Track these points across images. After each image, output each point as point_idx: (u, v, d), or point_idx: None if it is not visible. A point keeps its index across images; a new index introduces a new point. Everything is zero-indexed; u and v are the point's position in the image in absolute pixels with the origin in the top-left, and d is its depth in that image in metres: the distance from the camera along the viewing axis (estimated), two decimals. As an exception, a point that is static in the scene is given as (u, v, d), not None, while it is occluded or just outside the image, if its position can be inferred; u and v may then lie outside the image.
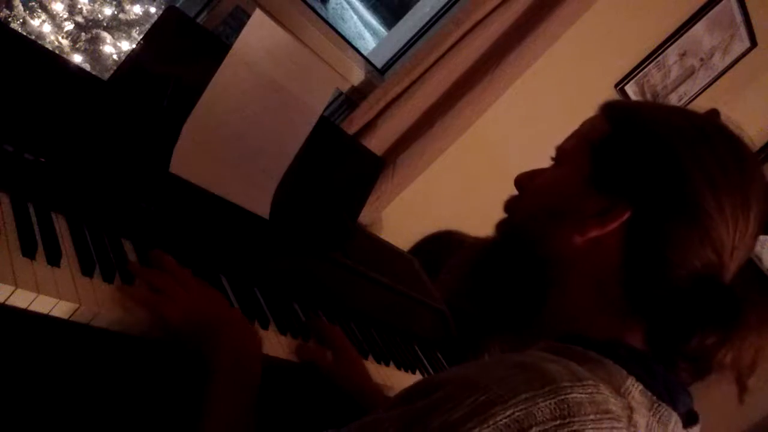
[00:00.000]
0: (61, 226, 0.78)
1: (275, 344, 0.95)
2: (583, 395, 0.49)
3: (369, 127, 1.67)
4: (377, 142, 1.67)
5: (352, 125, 1.65)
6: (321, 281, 1.19)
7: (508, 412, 0.47)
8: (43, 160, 0.80)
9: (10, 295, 0.65)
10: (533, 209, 0.69)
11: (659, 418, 0.54)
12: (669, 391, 0.56)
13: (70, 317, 0.71)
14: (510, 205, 0.73)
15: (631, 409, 0.51)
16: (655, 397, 0.54)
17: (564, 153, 0.70)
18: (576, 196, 0.64)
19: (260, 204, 1.12)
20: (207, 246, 0.98)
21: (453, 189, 1.96)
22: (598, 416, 0.48)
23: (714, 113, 0.67)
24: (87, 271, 0.75)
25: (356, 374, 1.01)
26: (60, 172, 0.82)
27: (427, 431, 0.47)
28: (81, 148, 0.87)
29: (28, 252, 0.70)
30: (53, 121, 0.88)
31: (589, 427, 0.48)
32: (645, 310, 0.60)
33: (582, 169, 0.65)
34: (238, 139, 1.08)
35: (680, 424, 0.56)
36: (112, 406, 0.79)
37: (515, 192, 0.73)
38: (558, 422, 0.47)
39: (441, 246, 1.93)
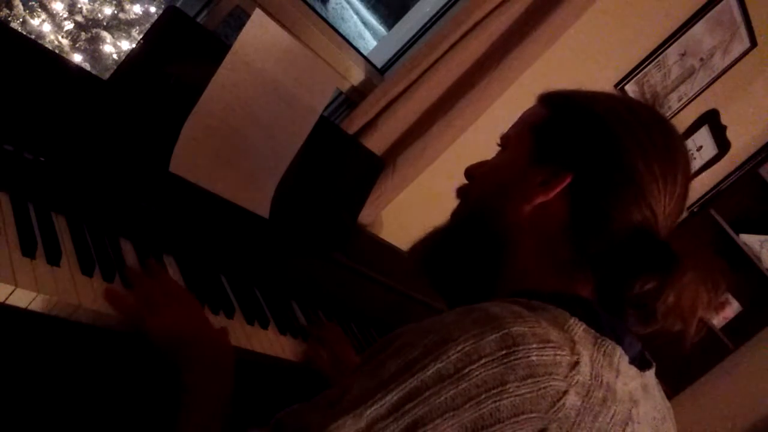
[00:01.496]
0: (60, 225, 0.78)
1: (275, 344, 0.95)
2: (524, 328, 0.53)
3: (369, 126, 1.66)
4: (377, 142, 1.67)
5: (351, 125, 1.65)
6: (321, 281, 1.19)
7: (459, 347, 0.52)
8: (43, 159, 0.80)
9: (9, 295, 0.65)
10: (484, 190, 0.76)
11: (604, 351, 0.57)
12: (613, 331, 0.60)
13: (69, 317, 0.71)
14: (462, 192, 0.79)
15: (573, 341, 0.55)
16: (598, 334, 0.58)
17: (508, 138, 0.77)
18: (521, 171, 0.71)
19: (260, 204, 1.12)
20: (207, 245, 0.98)
21: (453, 189, 1.96)
22: (541, 344, 0.53)
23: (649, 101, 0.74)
24: (87, 270, 0.75)
25: None
26: (60, 172, 0.82)
27: (384, 375, 0.52)
28: (81, 147, 0.88)
29: (28, 251, 0.70)
30: (53, 121, 0.88)
31: (534, 354, 0.52)
32: (591, 264, 0.66)
33: (525, 149, 0.72)
34: (237, 139, 1.08)
35: (626, 359, 0.59)
36: (111, 405, 0.79)
37: (465, 182, 0.80)
38: (504, 352, 0.52)
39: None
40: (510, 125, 0.79)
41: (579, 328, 0.57)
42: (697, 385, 2.70)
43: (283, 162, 1.15)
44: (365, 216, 1.65)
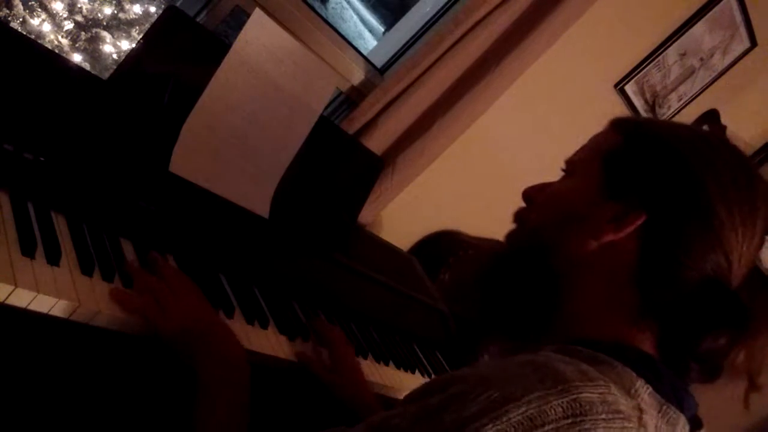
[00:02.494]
0: (60, 225, 0.78)
1: (274, 344, 0.95)
2: (594, 395, 0.49)
3: (369, 126, 1.66)
4: (377, 142, 1.67)
5: (351, 125, 1.65)
6: (321, 281, 1.19)
7: (521, 410, 0.47)
8: (42, 159, 0.80)
9: (9, 294, 0.65)
10: (546, 218, 0.70)
11: (668, 420, 0.54)
12: (676, 394, 0.57)
13: (69, 316, 0.71)
14: (520, 216, 0.73)
15: (640, 410, 0.52)
16: (663, 399, 0.55)
17: (575, 164, 0.71)
18: (590, 203, 0.66)
19: (260, 203, 1.12)
20: (206, 245, 0.98)
21: (452, 189, 1.96)
22: (610, 416, 0.49)
23: (720, 128, 0.70)
24: (86, 270, 0.75)
25: (351, 385, 1.00)
26: (60, 172, 0.82)
27: (440, 426, 0.48)
28: (81, 147, 0.87)
29: (28, 251, 0.70)
30: (53, 121, 0.88)
31: (601, 426, 0.48)
32: (657, 313, 0.61)
33: (595, 179, 0.67)
34: (237, 139, 1.08)
35: (687, 427, 0.57)
36: (111, 405, 0.79)
37: (522, 204, 0.74)
38: (570, 420, 0.48)
39: (441, 246, 1.93)
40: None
41: (645, 393, 0.54)
42: (696, 385, 2.70)
43: (282, 162, 1.15)
44: (365, 216, 1.65)
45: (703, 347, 0.59)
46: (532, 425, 0.47)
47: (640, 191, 0.63)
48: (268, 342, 0.94)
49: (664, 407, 0.55)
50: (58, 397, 0.75)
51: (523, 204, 0.74)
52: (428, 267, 1.64)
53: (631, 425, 0.50)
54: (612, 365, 0.55)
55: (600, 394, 0.50)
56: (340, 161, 1.31)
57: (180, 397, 0.75)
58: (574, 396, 0.49)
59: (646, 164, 0.64)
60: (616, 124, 0.70)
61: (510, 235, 0.74)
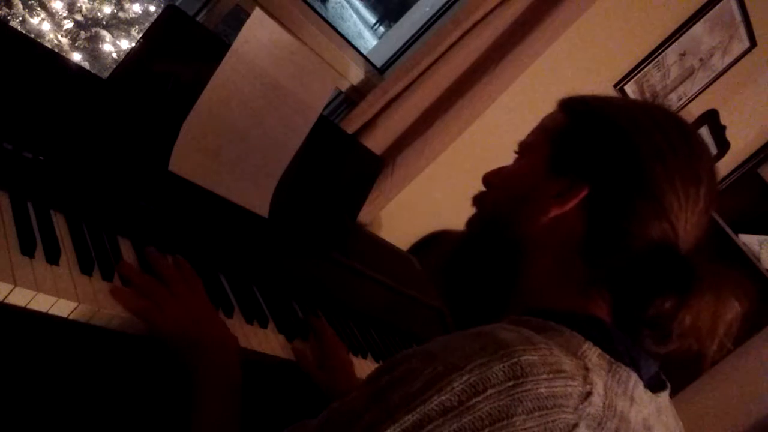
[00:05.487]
0: (60, 224, 0.78)
1: (274, 343, 0.95)
2: (535, 356, 0.51)
3: (368, 126, 1.66)
4: (376, 142, 1.67)
5: (351, 124, 1.65)
6: (320, 280, 1.19)
7: (464, 378, 0.49)
8: (42, 158, 0.80)
9: (9, 294, 0.65)
10: (499, 199, 0.73)
11: (618, 378, 0.55)
12: (630, 355, 0.58)
13: (69, 315, 0.71)
14: (478, 200, 0.77)
15: (586, 369, 0.53)
16: (613, 359, 0.56)
17: (526, 146, 0.75)
18: (538, 181, 0.69)
19: (259, 203, 1.12)
20: (206, 244, 0.98)
21: (452, 188, 1.96)
22: (551, 375, 0.50)
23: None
24: (86, 269, 0.75)
25: (340, 382, 1.00)
26: (59, 171, 0.82)
27: (389, 404, 0.50)
28: (80, 146, 0.87)
29: (27, 250, 0.70)
30: (52, 120, 0.88)
31: (543, 385, 0.49)
32: (607, 282, 0.63)
33: (543, 158, 0.70)
34: (237, 138, 1.08)
35: (641, 384, 0.58)
36: (110, 405, 0.79)
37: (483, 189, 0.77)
38: (512, 383, 0.49)
39: (440, 245, 1.93)
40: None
41: (593, 354, 0.55)
42: (696, 385, 2.70)
43: (282, 161, 1.15)
44: (364, 215, 1.65)
45: (651, 312, 0.60)
46: (476, 391, 0.48)
47: (583, 165, 0.66)
48: (267, 341, 0.94)
49: (614, 366, 0.55)
50: (58, 396, 0.75)
51: (483, 189, 0.77)
52: (427, 267, 1.64)
53: (575, 383, 0.51)
54: (559, 331, 0.57)
55: (541, 356, 0.51)
56: (339, 161, 1.31)
57: (179, 396, 0.76)
58: (515, 359, 0.50)
59: (587, 139, 0.67)
60: (563, 104, 0.73)
61: (470, 220, 0.77)
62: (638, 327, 0.62)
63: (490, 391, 0.48)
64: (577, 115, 0.70)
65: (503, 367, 0.49)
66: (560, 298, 0.64)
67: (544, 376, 0.50)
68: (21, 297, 0.66)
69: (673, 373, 0.71)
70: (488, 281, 0.71)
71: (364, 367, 1.08)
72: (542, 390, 0.49)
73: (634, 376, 0.57)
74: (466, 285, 0.74)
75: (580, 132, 0.68)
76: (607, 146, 0.65)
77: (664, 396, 0.63)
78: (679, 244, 0.63)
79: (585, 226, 0.64)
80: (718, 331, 0.59)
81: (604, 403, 0.52)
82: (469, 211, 0.78)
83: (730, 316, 0.59)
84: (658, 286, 0.60)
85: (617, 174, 0.64)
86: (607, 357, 0.56)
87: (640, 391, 0.57)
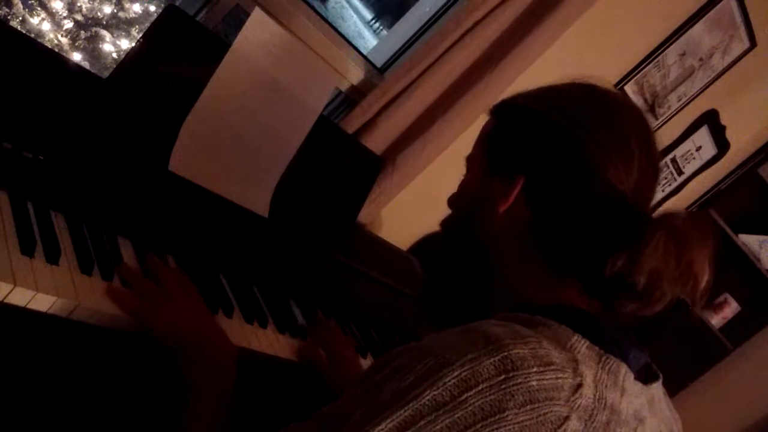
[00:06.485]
0: (60, 224, 0.78)
1: (274, 343, 0.95)
2: (525, 350, 0.51)
3: (368, 126, 1.66)
4: (376, 141, 1.67)
5: (351, 124, 1.65)
6: (320, 280, 1.19)
7: (456, 373, 0.49)
8: (42, 158, 0.80)
9: (9, 293, 0.65)
10: (458, 213, 0.78)
11: (608, 369, 0.55)
12: (618, 345, 0.58)
13: (68, 315, 0.71)
14: (444, 223, 0.80)
15: (576, 361, 0.53)
16: (602, 351, 0.56)
17: (469, 158, 0.78)
18: (483, 186, 0.72)
19: (259, 202, 1.12)
20: (206, 244, 0.98)
21: (452, 188, 1.96)
22: (542, 368, 0.51)
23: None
24: (86, 269, 0.75)
25: (348, 378, 1.01)
26: (59, 171, 0.82)
27: (380, 399, 0.50)
28: (80, 146, 0.87)
29: (27, 250, 0.70)
30: (52, 120, 0.88)
31: (533, 378, 0.50)
32: (566, 261, 0.65)
33: (482, 164, 0.74)
34: (237, 138, 1.08)
35: (631, 375, 0.58)
36: (108, 404, 0.79)
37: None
38: (503, 377, 0.49)
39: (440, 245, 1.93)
40: None
41: (582, 346, 0.55)
42: (696, 385, 2.70)
43: (282, 161, 1.15)
44: (364, 215, 1.65)
45: (608, 271, 0.60)
46: (467, 386, 0.49)
47: (514, 158, 0.69)
48: (267, 341, 0.94)
49: (604, 358, 0.56)
50: (57, 395, 0.75)
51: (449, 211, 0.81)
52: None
53: (565, 375, 0.52)
54: (547, 324, 0.57)
55: (531, 349, 0.51)
56: (339, 160, 1.31)
57: (178, 396, 0.76)
58: (505, 353, 0.50)
59: (511, 133, 0.71)
60: (491, 110, 0.77)
61: (443, 222, 0.80)
62: (612, 296, 0.62)
63: (481, 386, 0.49)
64: (500, 115, 0.75)
65: (494, 361, 0.50)
66: (537, 289, 0.65)
67: (535, 369, 0.50)
68: (21, 297, 0.66)
69: (674, 373, 0.70)
70: (464, 283, 0.73)
71: (364, 367, 1.08)
72: (533, 383, 0.50)
73: (624, 367, 0.57)
74: (443, 285, 0.77)
75: (505, 129, 0.73)
76: (530, 132, 0.69)
77: (657, 387, 0.63)
78: (625, 198, 0.64)
79: (532, 211, 0.67)
80: (694, 272, 0.59)
81: (594, 395, 0.53)
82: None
83: (700, 256, 0.59)
84: (608, 243, 0.60)
85: (541, 154, 0.67)
86: (596, 348, 0.56)
87: (631, 381, 0.57)
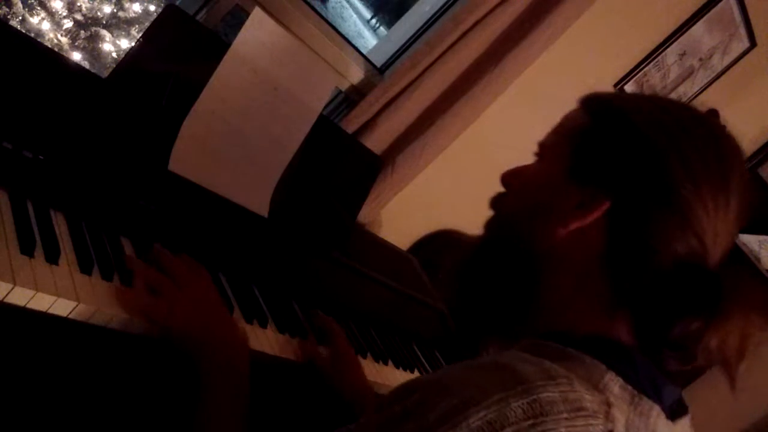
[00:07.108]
0: (59, 223, 0.78)
1: (274, 343, 0.95)
2: (555, 393, 0.49)
3: (368, 125, 1.67)
4: (376, 141, 1.67)
5: (351, 124, 1.65)
6: (320, 280, 1.19)
7: (481, 414, 0.47)
8: (42, 157, 0.80)
9: (8, 293, 0.65)
10: (518, 206, 0.69)
11: (640, 411, 0.53)
12: (653, 383, 0.56)
13: (68, 315, 0.70)
14: (496, 203, 0.72)
15: (608, 404, 0.51)
16: (635, 391, 0.54)
17: (545, 148, 0.69)
18: (557, 189, 0.64)
19: (259, 202, 1.12)
20: (205, 244, 0.98)
21: (452, 188, 1.96)
22: (572, 414, 0.48)
23: (712, 113, 0.66)
24: (85, 268, 0.75)
25: (352, 380, 1.01)
26: (59, 170, 0.82)
27: None
28: (80, 146, 0.87)
29: (27, 250, 0.70)
30: (52, 119, 0.88)
31: (563, 425, 0.47)
32: (630, 300, 0.59)
33: (563, 163, 0.65)
34: (237, 138, 1.08)
35: (663, 416, 0.55)
36: (111, 405, 0.79)
37: (502, 189, 0.73)
38: (530, 422, 0.47)
39: (440, 245, 1.93)
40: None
41: (615, 386, 0.53)
42: (696, 385, 2.70)
43: (282, 161, 1.15)
44: (364, 215, 1.66)
45: (676, 333, 0.57)
46: (492, 429, 0.46)
47: (605, 175, 0.61)
48: (267, 341, 0.94)
49: (636, 399, 0.53)
50: (57, 395, 0.75)
51: (501, 189, 0.72)
52: (427, 266, 1.64)
53: (596, 422, 0.49)
54: (581, 360, 0.54)
55: (561, 392, 0.49)
56: (339, 160, 1.31)
57: (181, 396, 0.75)
58: (534, 396, 0.48)
59: (610, 147, 0.62)
60: (585, 103, 0.68)
61: (488, 223, 0.72)
62: (661, 348, 0.59)
63: (508, 429, 0.46)
64: (599, 118, 0.65)
65: (522, 404, 0.47)
66: (581, 318, 0.60)
67: (565, 415, 0.48)
68: (20, 296, 0.66)
69: (672, 373, 0.70)
70: (505, 293, 0.67)
71: (364, 367, 1.07)
72: (562, 430, 0.47)
73: (656, 409, 0.55)
74: (481, 294, 0.70)
75: (603, 137, 0.63)
76: (629, 153, 0.61)
77: (684, 422, 0.60)
78: (708, 260, 0.59)
79: (606, 240, 0.60)
80: (745, 351, 0.57)
81: None
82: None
83: (758, 336, 0.56)
84: (685, 306, 0.57)
85: (642, 186, 0.59)
86: (629, 388, 0.53)
87: (663, 423, 0.55)
